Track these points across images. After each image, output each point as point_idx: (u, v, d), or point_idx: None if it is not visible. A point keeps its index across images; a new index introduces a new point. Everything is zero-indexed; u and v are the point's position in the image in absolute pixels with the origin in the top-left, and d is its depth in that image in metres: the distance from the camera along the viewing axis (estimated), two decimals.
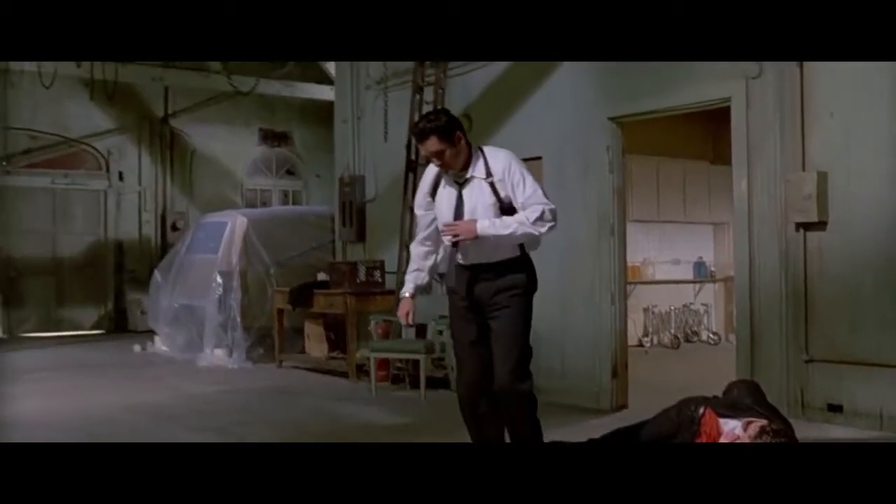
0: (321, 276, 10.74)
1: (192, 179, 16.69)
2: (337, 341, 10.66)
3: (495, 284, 4.82)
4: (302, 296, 10.45)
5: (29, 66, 10.61)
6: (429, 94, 9.54)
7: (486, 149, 4.89)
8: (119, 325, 15.77)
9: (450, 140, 4.72)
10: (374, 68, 10.61)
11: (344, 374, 9.78)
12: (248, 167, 17.46)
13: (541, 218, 4.69)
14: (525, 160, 8.49)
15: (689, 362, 11.11)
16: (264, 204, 17.17)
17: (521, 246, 4.83)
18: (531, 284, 4.91)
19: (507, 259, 4.84)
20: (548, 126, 8.43)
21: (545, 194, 4.82)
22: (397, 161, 9.85)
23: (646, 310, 12.41)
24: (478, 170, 4.79)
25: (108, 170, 15.94)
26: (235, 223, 11.77)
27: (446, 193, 4.87)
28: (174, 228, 16.04)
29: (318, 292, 10.34)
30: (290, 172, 17.96)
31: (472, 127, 9.21)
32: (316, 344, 10.87)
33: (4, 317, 15.00)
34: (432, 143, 4.72)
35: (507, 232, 4.68)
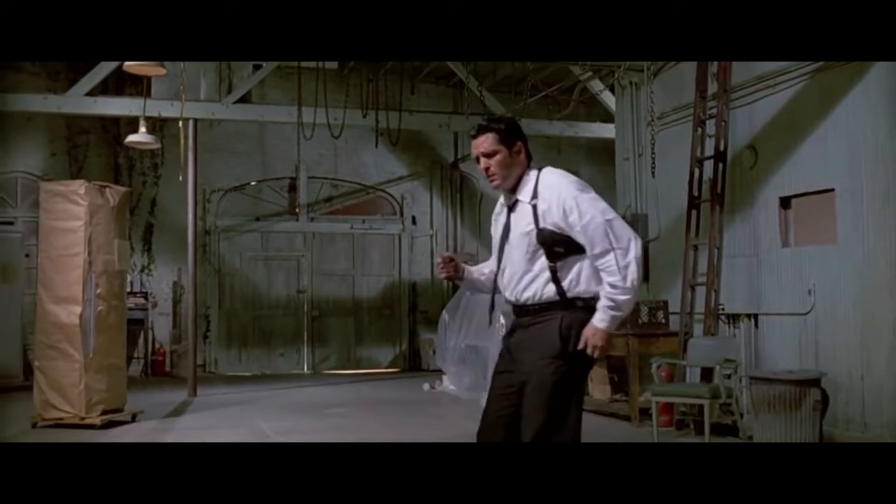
0: None
1: (480, 221, 17.06)
2: (620, 384, 10.41)
3: (526, 335, 3.89)
4: None
5: (320, 118, 11.27)
6: (711, 127, 9.17)
7: (544, 169, 4.03)
8: (413, 364, 16.35)
9: (507, 145, 3.97)
10: (655, 103, 10.37)
11: (626, 418, 9.51)
12: None
13: (617, 266, 3.72)
14: (815, 193, 8.12)
15: None
16: None
17: (558, 284, 3.82)
18: (567, 347, 3.77)
19: (543, 302, 3.84)
20: (840, 155, 7.82)
21: (605, 211, 3.80)
22: (680, 197, 9.52)
23: None
24: (524, 192, 3.98)
25: (402, 214, 16.68)
26: None
27: (499, 219, 4.16)
28: None
29: None
30: None
31: (758, 160, 8.77)
32: (599, 386, 10.67)
33: (309, 354, 16.05)
34: (486, 140, 3.98)
35: (623, 309, 3.75)
